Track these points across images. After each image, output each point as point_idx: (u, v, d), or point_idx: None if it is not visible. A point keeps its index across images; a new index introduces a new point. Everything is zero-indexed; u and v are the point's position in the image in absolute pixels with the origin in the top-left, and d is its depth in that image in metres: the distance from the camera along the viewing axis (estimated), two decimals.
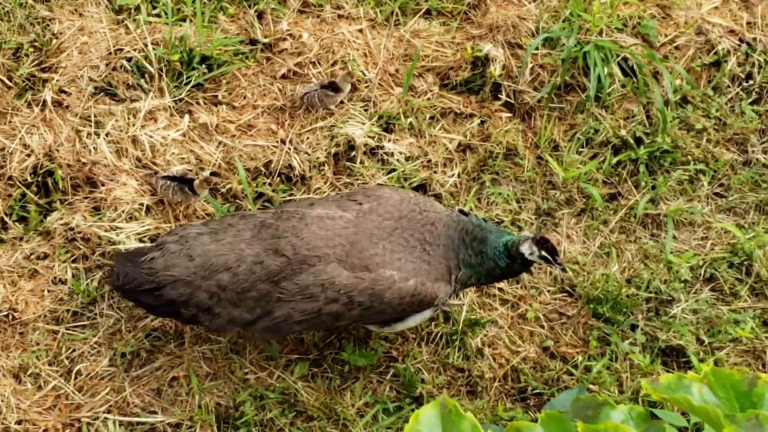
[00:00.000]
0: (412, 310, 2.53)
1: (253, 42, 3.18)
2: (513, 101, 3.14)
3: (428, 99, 3.11)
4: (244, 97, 3.08)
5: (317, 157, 3.03)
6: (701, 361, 2.92)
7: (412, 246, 2.49)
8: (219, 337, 2.78)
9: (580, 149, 3.09)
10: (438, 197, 3.06)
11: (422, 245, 2.50)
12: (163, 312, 2.63)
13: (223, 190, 2.97)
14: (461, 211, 2.65)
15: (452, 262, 2.53)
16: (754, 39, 3.20)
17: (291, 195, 3.00)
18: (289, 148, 3.10)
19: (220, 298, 2.47)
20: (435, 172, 3.07)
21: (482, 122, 3.12)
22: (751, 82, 3.19)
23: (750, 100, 3.19)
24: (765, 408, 1.49)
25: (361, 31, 3.19)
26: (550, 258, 2.43)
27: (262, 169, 2.99)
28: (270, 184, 2.97)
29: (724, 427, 1.42)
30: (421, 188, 3.06)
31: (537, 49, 3.12)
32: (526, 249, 2.44)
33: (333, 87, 3.05)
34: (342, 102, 3.09)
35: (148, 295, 2.52)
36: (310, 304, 2.44)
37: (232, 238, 2.50)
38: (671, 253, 3.00)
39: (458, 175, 3.06)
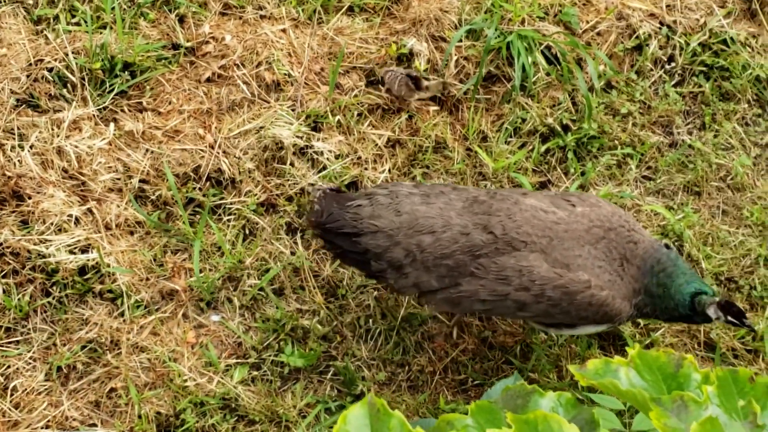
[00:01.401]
0: (593, 320, 3.15)
1: (175, 46, 3.98)
2: (440, 94, 3.98)
3: (355, 96, 3.92)
4: (170, 103, 3.87)
5: (246, 160, 3.96)
6: (638, 343, 3.88)
7: (613, 258, 3.11)
8: (400, 296, 3.56)
9: (509, 139, 3.92)
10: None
11: (621, 260, 3.13)
12: (354, 260, 3.28)
13: (152, 197, 3.77)
14: (666, 245, 3.31)
15: (637, 285, 3.15)
16: (674, 21, 4.08)
17: (222, 199, 3.93)
18: (218, 152, 3.89)
19: (415, 258, 3.10)
20: (366, 169, 3.85)
21: (410, 117, 3.94)
22: (673, 64, 4.08)
23: (673, 83, 4.07)
24: (691, 388, 1.79)
25: (284, 30, 4.03)
26: (737, 322, 3.16)
27: (192, 174, 3.76)
28: (200, 189, 3.74)
29: (651, 410, 1.69)
30: (353, 185, 3.82)
31: (460, 41, 3.95)
32: (712, 313, 3.15)
33: (417, 82, 3.91)
34: (418, 100, 3.95)
35: (345, 239, 3.16)
36: (501, 286, 3.07)
37: (444, 205, 3.13)
38: None
39: (389, 171, 3.85)
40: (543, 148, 3.95)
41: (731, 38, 4.09)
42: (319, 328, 3.62)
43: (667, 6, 4.12)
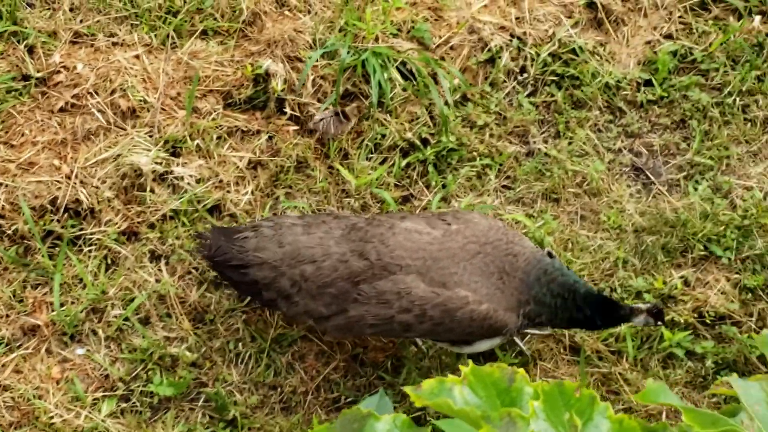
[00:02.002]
0: (480, 334, 3.49)
1: (26, 78, 4.30)
2: (299, 114, 4.36)
3: (213, 119, 4.29)
4: (23, 135, 4.17)
5: (105, 189, 4.17)
6: (504, 352, 4.43)
7: (491, 272, 3.46)
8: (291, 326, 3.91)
9: (370, 155, 4.34)
10: (233, 216, 4.23)
11: (500, 273, 3.47)
12: (245, 290, 3.76)
13: (8, 232, 4.04)
14: (549, 253, 3.72)
15: (523, 296, 3.47)
16: (524, 33, 4.57)
17: (81, 230, 4.28)
18: (75, 183, 4.16)
19: (300, 287, 3.48)
20: (228, 192, 4.21)
21: (270, 138, 4.32)
22: (525, 75, 4.57)
23: (526, 93, 4.56)
24: (524, 401, 1.93)
25: (137, 57, 4.39)
26: (662, 324, 3.72)
27: (49, 206, 4.05)
28: (58, 221, 4.05)
29: (482, 427, 1.82)
30: (216, 209, 4.19)
31: (316, 61, 4.36)
32: (641, 321, 3.65)
33: (345, 114, 4.35)
34: (345, 132, 4.36)
35: (234, 270, 3.58)
36: (384, 310, 3.43)
37: (323, 234, 3.52)
38: None
39: (252, 193, 4.23)
40: (404, 163, 4.39)
41: (580, 47, 4.63)
42: (188, 355, 3.97)
43: (517, 18, 4.71)
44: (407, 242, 3.49)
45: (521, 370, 1.99)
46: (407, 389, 2.01)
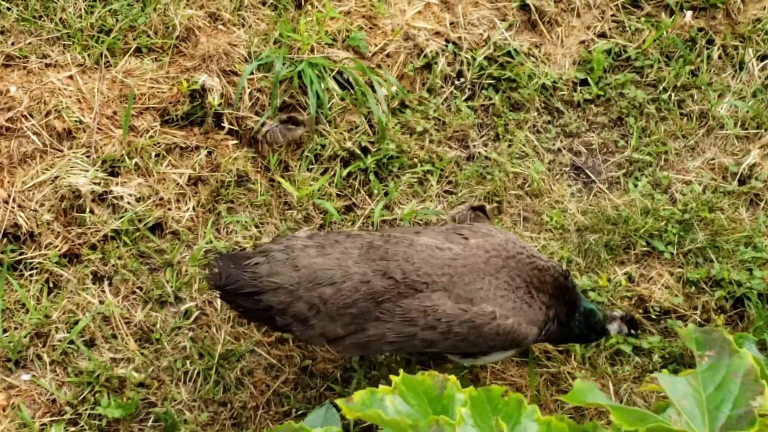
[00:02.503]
0: (501, 347, 3.51)
1: None
2: (237, 128, 4.38)
3: (151, 137, 4.30)
4: None
5: (44, 212, 4.17)
6: None
7: (517, 286, 3.48)
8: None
9: (310, 166, 4.37)
10: (175, 234, 4.22)
11: (528, 287, 3.49)
12: (258, 317, 3.61)
13: None
14: (567, 271, 3.71)
15: (551, 312, 3.54)
16: (459, 38, 4.63)
17: (21, 254, 4.27)
18: (13, 207, 4.11)
19: (319, 310, 3.39)
20: (169, 209, 4.22)
21: (209, 153, 4.33)
22: (462, 79, 4.64)
23: (464, 97, 4.62)
24: (456, 408, 1.96)
25: (71, 77, 4.38)
26: (634, 333, 3.74)
27: None
28: None
29: None
30: (157, 227, 4.21)
31: (252, 74, 4.38)
32: (614, 328, 3.69)
33: (293, 121, 4.35)
34: (301, 135, 4.40)
35: (246, 298, 3.44)
36: (408, 327, 3.40)
37: (339, 254, 3.44)
38: None
39: (193, 209, 4.25)
40: (345, 172, 4.43)
41: (515, 50, 4.71)
42: (135, 376, 3.96)
43: (451, 23, 4.78)
44: (432, 259, 3.46)
45: (452, 377, 2.01)
46: (339, 402, 2.01)
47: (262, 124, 4.44)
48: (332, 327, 3.48)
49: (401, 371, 2.09)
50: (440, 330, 3.43)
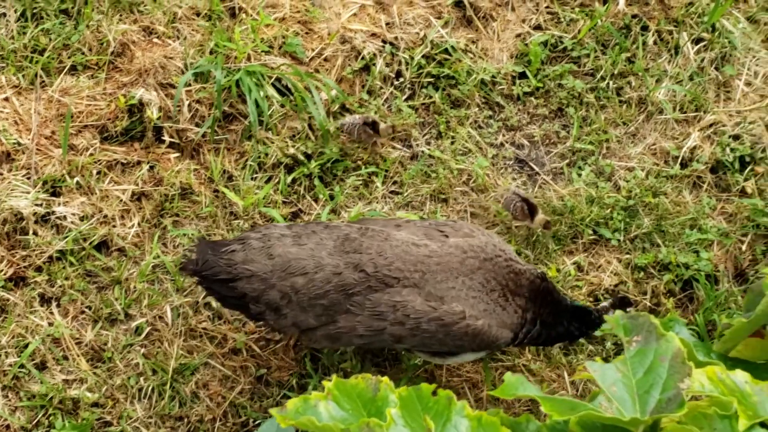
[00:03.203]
0: (470, 348, 3.54)
1: None
2: (178, 141, 4.41)
3: (91, 155, 4.30)
4: None
5: None
6: (410, 357, 4.54)
7: (492, 289, 3.52)
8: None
9: (255, 175, 4.39)
10: (122, 251, 4.21)
11: (503, 290, 3.53)
12: (233, 304, 3.65)
13: None
14: (543, 274, 3.75)
15: (528, 315, 3.57)
16: (396, 38, 4.66)
17: None
18: None
19: (290, 300, 3.45)
20: (114, 227, 4.22)
21: (152, 167, 4.34)
22: (401, 79, 4.67)
23: (404, 97, 4.66)
24: (389, 409, 1.99)
25: (6, 99, 4.39)
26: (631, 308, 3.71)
27: None
28: None
29: None
30: (103, 245, 4.22)
31: (190, 85, 4.38)
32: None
33: (374, 127, 4.42)
34: (375, 144, 4.49)
35: (221, 285, 3.52)
36: (377, 321, 3.45)
37: (314, 245, 3.50)
38: None
39: (138, 225, 4.25)
40: (289, 179, 4.44)
41: (452, 47, 4.74)
42: (89, 396, 3.96)
43: (387, 24, 4.82)
44: (406, 255, 3.51)
45: (385, 379, 2.04)
46: (272, 411, 2.03)
47: (343, 116, 4.59)
48: (304, 317, 3.53)
49: (334, 376, 2.10)
50: (408, 326, 3.48)
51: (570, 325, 3.73)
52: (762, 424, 1.93)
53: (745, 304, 2.26)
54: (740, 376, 1.99)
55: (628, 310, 3.82)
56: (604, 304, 3.86)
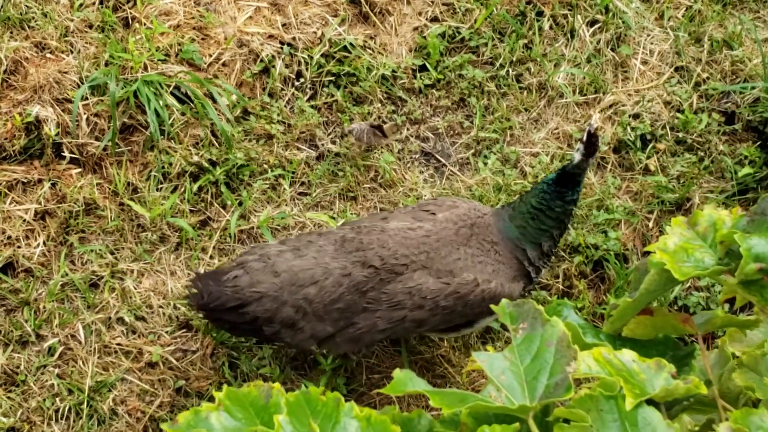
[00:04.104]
0: (488, 312, 3.52)
1: None
2: (79, 156, 4.36)
3: None
4: None
5: None
6: (325, 357, 4.58)
7: (487, 250, 3.61)
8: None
9: (160, 185, 4.37)
10: (28, 272, 4.18)
11: (493, 247, 3.63)
12: (245, 330, 3.67)
13: None
14: (502, 206, 3.84)
15: (518, 252, 3.64)
16: (294, 38, 4.66)
17: None
18: None
19: (306, 312, 3.50)
20: (19, 247, 4.16)
21: (53, 184, 4.29)
22: (302, 80, 4.67)
23: (306, 98, 4.67)
24: (276, 415, 1.92)
25: None
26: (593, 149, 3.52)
27: None
28: None
29: None
30: (9, 267, 4.17)
31: (87, 99, 4.34)
32: (584, 162, 3.55)
33: (381, 129, 4.45)
34: (383, 145, 4.50)
35: (232, 312, 3.54)
36: (397, 311, 3.52)
37: (316, 254, 3.56)
38: None
39: (44, 244, 4.20)
40: (195, 187, 4.43)
41: (350, 44, 4.75)
42: (4, 421, 3.92)
43: (284, 25, 4.85)
44: (406, 240, 3.59)
45: (276, 385, 2.02)
46: (164, 426, 1.99)
47: (351, 122, 4.64)
48: (321, 326, 3.58)
49: (225, 387, 2.06)
50: (428, 307, 3.55)
51: (554, 199, 3.67)
52: (650, 401, 2.00)
53: (632, 282, 2.34)
54: (627, 355, 2.06)
55: (592, 150, 3.61)
56: (574, 154, 3.69)
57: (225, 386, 2.09)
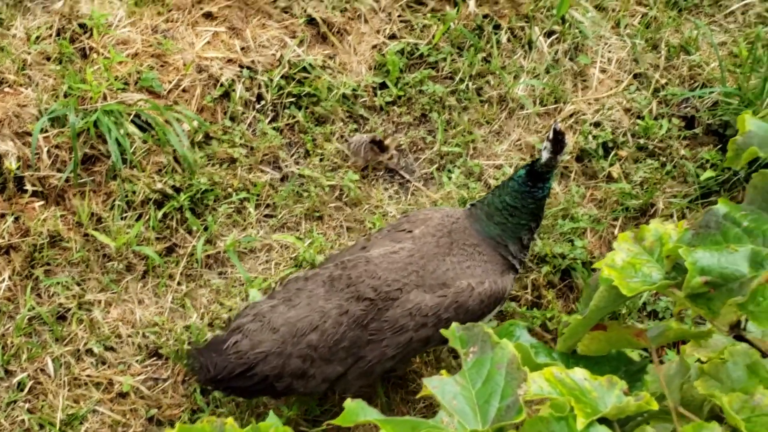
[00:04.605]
0: (488, 311, 3.62)
1: None
2: (41, 189, 4.34)
3: None
4: None
5: None
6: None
7: (470, 253, 3.64)
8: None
9: (124, 214, 4.36)
10: None
11: (474, 248, 3.65)
12: (257, 391, 3.65)
13: None
14: (472, 205, 3.84)
15: (501, 249, 3.67)
16: (253, 62, 4.67)
17: None
18: None
19: (313, 359, 3.49)
20: None
21: (17, 218, 4.28)
22: (263, 102, 4.68)
23: (268, 120, 4.68)
24: None
25: None
26: (559, 147, 3.53)
27: None
28: None
29: None
30: None
31: (47, 131, 4.34)
32: (551, 159, 3.57)
33: (380, 146, 4.47)
34: (380, 163, 4.54)
35: (240, 378, 3.53)
36: (402, 336, 3.52)
37: (308, 299, 3.55)
38: (242, 285, 4.67)
39: (9, 278, 4.18)
40: (160, 214, 4.41)
41: (310, 64, 4.76)
42: None
43: (242, 48, 4.85)
44: (392, 265, 3.60)
45: (230, 420, 2.00)
46: None
47: (352, 136, 4.69)
48: (331, 368, 3.58)
49: (177, 423, 2.05)
50: (431, 324, 3.56)
51: (527, 197, 3.72)
52: (603, 419, 2.01)
53: (583, 298, 2.35)
54: (579, 373, 2.07)
55: (558, 147, 3.63)
56: (542, 152, 3.69)
57: (177, 423, 2.08)
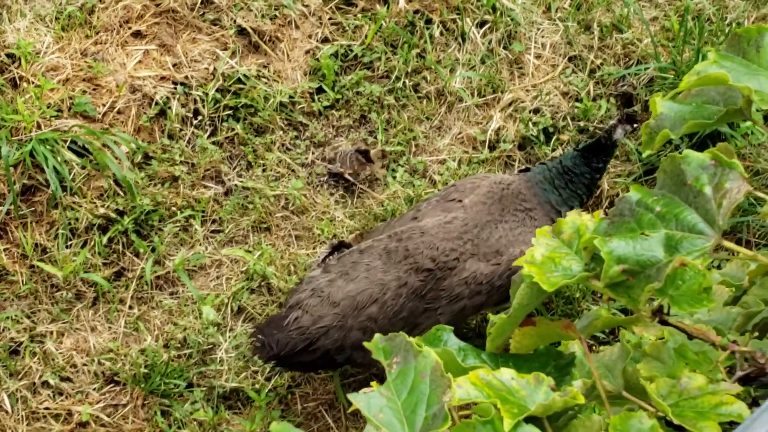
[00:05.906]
0: None
1: None
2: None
3: None
4: None
5: None
6: (257, 392, 4.56)
7: (522, 219, 3.72)
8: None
9: (68, 242, 4.34)
10: None
11: (526, 213, 3.74)
12: (319, 365, 3.78)
13: None
14: (521, 171, 3.94)
15: (554, 214, 3.74)
16: (186, 77, 4.64)
17: None
18: None
19: (372, 330, 3.47)
20: None
21: None
22: (200, 117, 4.65)
23: (207, 135, 4.66)
24: None
25: None
26: (634, 126, 3.75)
27: None
28: None
29: None
30: None
31: None
32: (620, 133, 3.78)
33: (366, 156, 4.47)
34: (368, 176, 4.53)
35: (303, 353, 3.61)
36: (457, 303, 3.62)
37: (366, 272, 3.63)
38: (194, 303, 4.65)
39: None
40: (105, 239, 4.37)
41: (244, 75, 4.72)
42: None
43: (174, 65, 4.81)
44: (448, 235, 3.66)
45: None
46: None
47: (338, 146, 4.73)
48: None
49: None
50: (485, 291, 3.65)
51: (591, 168, 3.90)
52: (532, 418, 2.00)
53: (511, 295, 2.34)
54: (506, 373, 2.06)
55: (634, 126, 3.91)
56: (611, 121, 3.92)
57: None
